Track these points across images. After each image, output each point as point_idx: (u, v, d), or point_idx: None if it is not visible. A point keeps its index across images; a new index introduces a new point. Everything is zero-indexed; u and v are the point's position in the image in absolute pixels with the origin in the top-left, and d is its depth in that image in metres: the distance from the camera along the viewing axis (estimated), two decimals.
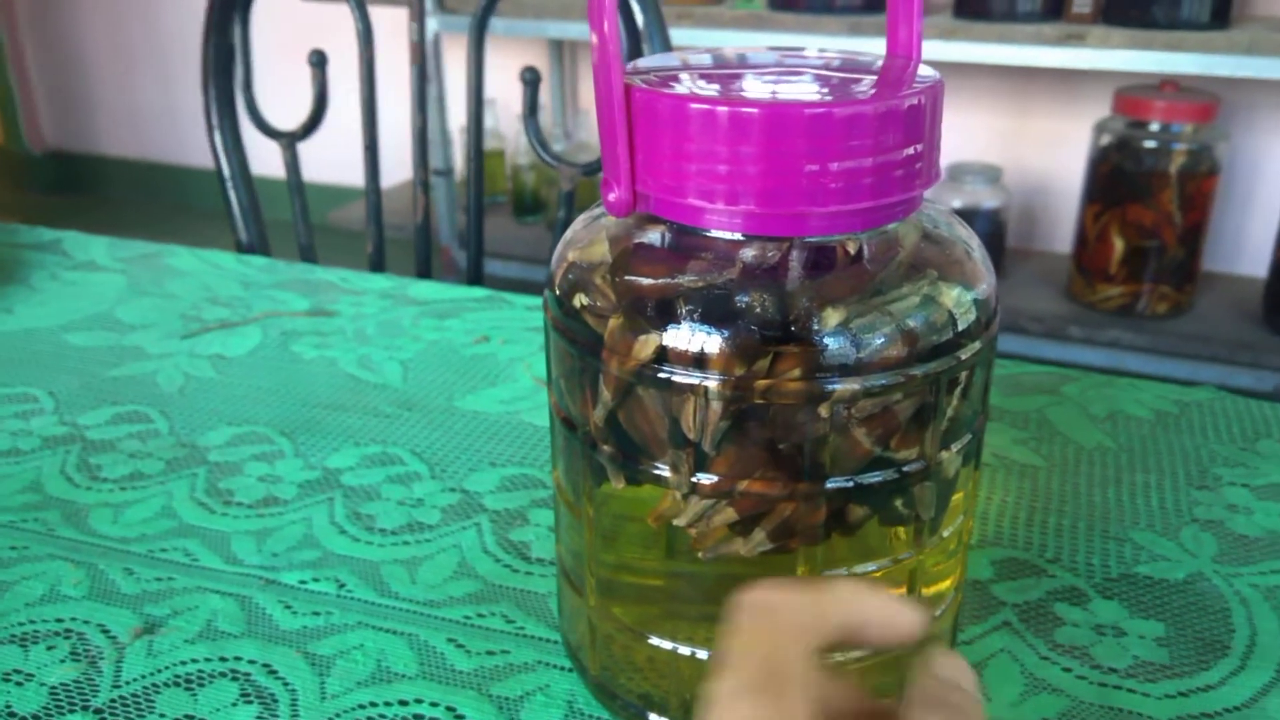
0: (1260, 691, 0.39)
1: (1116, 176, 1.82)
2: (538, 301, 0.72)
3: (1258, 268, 2.02)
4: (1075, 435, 0.55)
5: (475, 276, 0.93)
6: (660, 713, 0.36)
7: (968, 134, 2.19)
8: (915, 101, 0.30)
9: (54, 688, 0.39)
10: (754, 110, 0.29)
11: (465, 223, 0.90)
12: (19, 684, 0.40)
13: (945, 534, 0.34)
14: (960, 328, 0.31)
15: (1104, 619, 0.42)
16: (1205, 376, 1.79)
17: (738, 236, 0.31)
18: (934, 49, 1.75)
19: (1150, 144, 1.78)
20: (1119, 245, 1.84)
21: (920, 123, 0.30)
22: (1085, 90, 2.07)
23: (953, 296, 0.31)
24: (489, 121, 2.39)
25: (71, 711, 0.38)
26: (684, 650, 0.35)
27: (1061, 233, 2.17)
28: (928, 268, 0.31)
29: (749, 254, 0.30)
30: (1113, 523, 0.48)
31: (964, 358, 0.31)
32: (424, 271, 0.96)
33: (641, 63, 0.34)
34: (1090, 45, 1.68)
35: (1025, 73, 2.10)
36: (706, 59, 0.35)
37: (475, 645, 0.42)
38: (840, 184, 0.29)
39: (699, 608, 0.35)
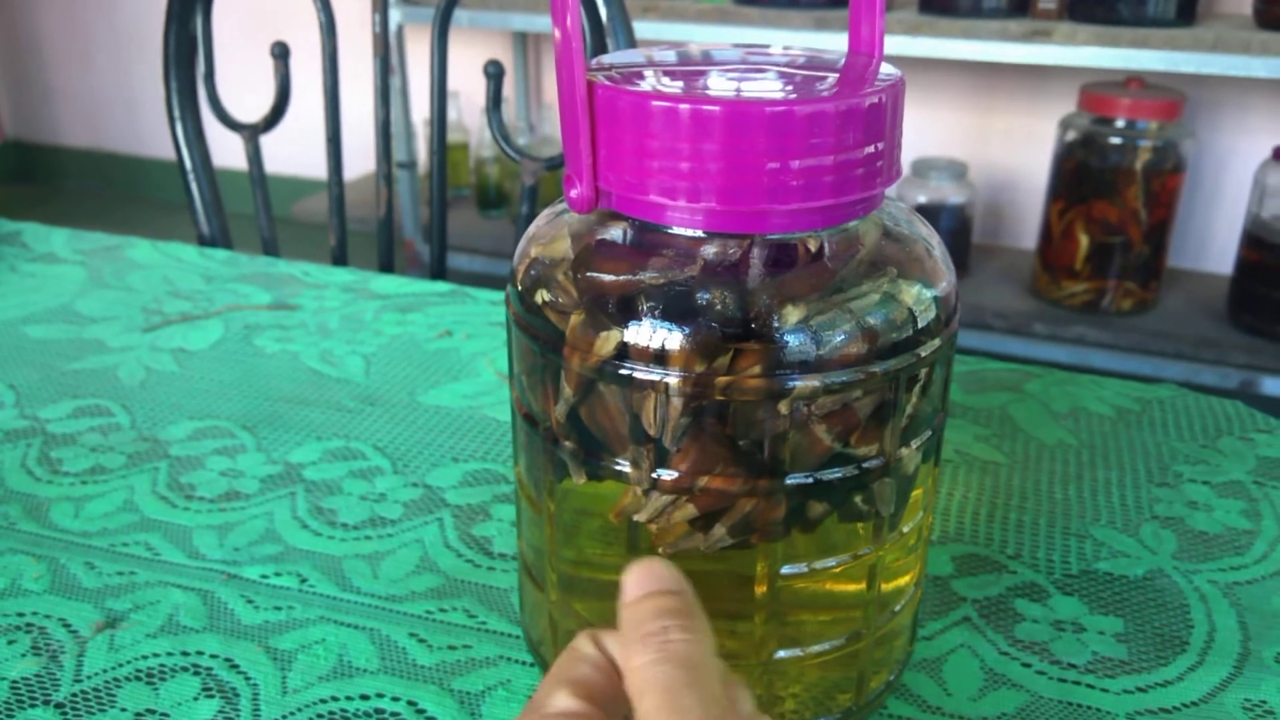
0: (1218, 687, 0.39)
1: (1082, 173, 1.83)
2: (501, 296, 0.72)
3: (1223, 265, 2.04)
4: (1037, 432, 0.56)
5: (438, 270, 0.93)
6: None
7: (933, 130, 2.20)
8: (876, 100, 0.30)
9: (15, 682, 0.39)
10: (716, 108, 0.29)
11: (429, 216, 0.90)
12: None
13: (905, 530, 0.35)
14: (920, 325, 0.31)
15: (1064, 615, 0.43)
16: (1170, 373, 1.81)
17: (699, 234, 0.31)
18: (899, 44, 1.76)
19: (1116, 140, 1.79)
20: (1084, 242, 1.86)
21: (881, 121, 0.30)
22: (1051, 86, 2.09)
23: (913, 294, 0.31)
24: (453, 114, 2.38)
25: (33, 706, 0.38)
26: None
27: (1027, 229, 2.19)
28: (888, 265, 0.31)
29: (710, 251, 0.30)
30: (1073, 519, 0.49)
31: (924, 355, 0.31)
32: (387, 265, 0.95)
33: (605, 58, 0.34)
34: (1056, 42, 1.70)
35: (991, 69, 2.11)
36: (670, 55, 0.35)
37: (437, 640, 0.42)
38: (801, 182, 0.30)
39: None
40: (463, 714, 0.38)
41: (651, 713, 0.25)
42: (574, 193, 0.32)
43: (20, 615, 0.43)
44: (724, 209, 0.30)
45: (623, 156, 0.31)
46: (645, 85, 0.31)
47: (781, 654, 0.34)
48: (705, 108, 0.29)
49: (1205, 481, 0.52)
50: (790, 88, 0.31)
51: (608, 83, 0.31)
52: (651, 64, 0.34)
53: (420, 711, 0.38)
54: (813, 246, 0.31)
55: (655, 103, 0.29)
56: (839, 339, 0.30)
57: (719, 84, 0.32)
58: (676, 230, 0.31)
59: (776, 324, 0.29)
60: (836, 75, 0.33)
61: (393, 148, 0.92)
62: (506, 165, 2.31)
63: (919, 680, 0.39)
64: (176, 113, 0.89)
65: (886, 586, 0.35)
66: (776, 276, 0.30)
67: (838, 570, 0.33)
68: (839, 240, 0.31)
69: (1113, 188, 1.81)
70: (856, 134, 0.30)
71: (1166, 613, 0.43)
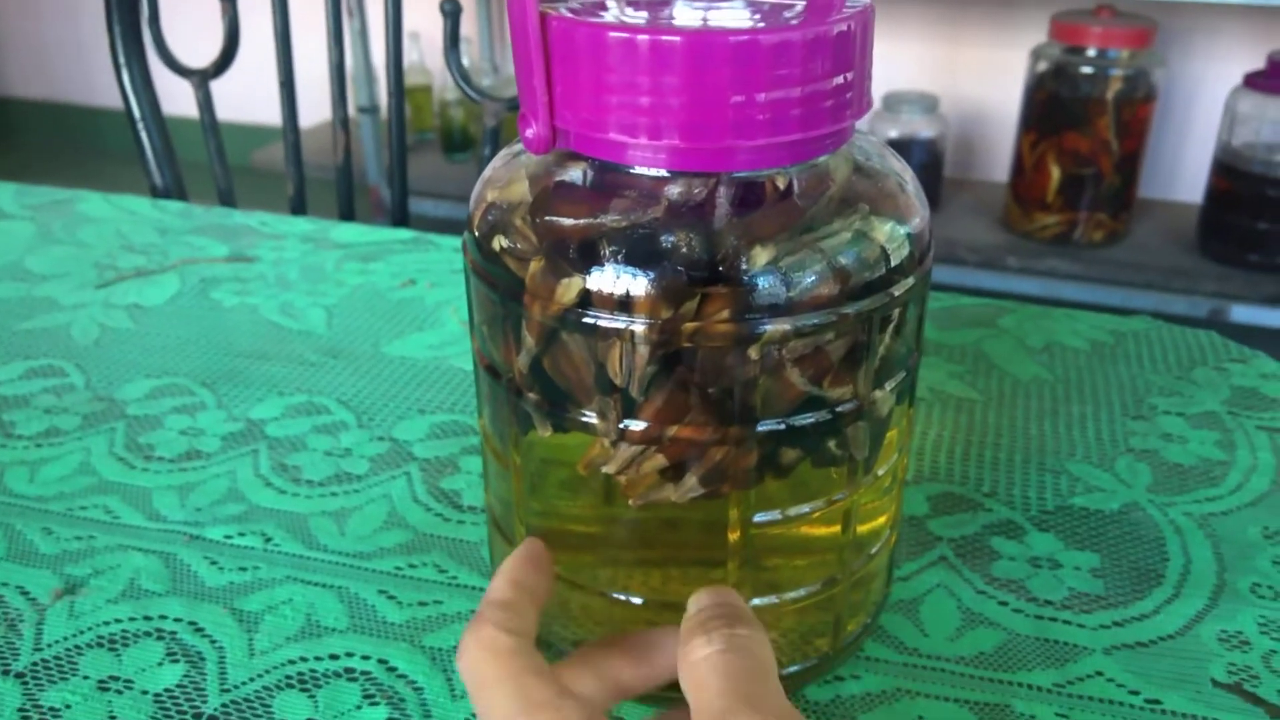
0: (1194, 619, 0.39)
1: (1053, 104, 1.82)
2: None
3: (1193, 194, 2.04)
4: (1011, 368, 0.55)
5: (401, 217, 0.91)
6: None
7: (903, 63, 2.18)
8: (844, 28, 0.29)
9: None
10: (676, 39, 0.27)
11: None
12: None
13: (880, 473, 0.34)
14: (893, 264, 0.30)
15: (1040, 551, 0.42)
16: (1140, 304, 1.82)
17: (662, 173, 0.29)
18: None
19: (1087, 70, 1.78)
20: (1055, 174, 1.85)
21: (850, 50, 0.29)
22: (1021, 17, 2.07)
23: (885, 231, 0.30)
24: (415, 56, 2.33)
25: None
26: (618, 596, 0.34)
27: (998, 162, 2.18)
28: (859, 202, 0.30)
29: (674, 191, 0.29)
30: (1049, 455, 0.48)
31: (897, 294, 0.30)
32: (347, 214, 0.93)
33: None
34: None
35: None
36: None
37: (407, 596, 0.41)
38: (767, 116, 0.28)
39: (631, 554, 0.34)
40: (434, 671, 0.37)
41: (716, 700, 0.25)
42: (530, 133, 0.31)
43: None
44: (687, 146, 0.29)
45: (580, 93, 0.29)
46: (608, 16, 0.29)
47: (757, 601, 0.33)
48: (665, 38, 0.27)
49: (1179, 413, 0.51)
50: (758, 17, 0.30)
51: (562, 15, 0.29)
52: None
53: (391, 670, 0.37)
54: (781, 184, 0.30)
55: (612, 34, 0.28)
56: (810, 280, 0.29)
57: (685, 15, 0.30)
58: (638, 170, 0.29)
59: (745, 266, 0.28)
60: (803, 4, 0.31)
61: (351, 92, 0.89)
62: (471, 107, 2.27)
63: (896, 622, 0.39)
64: (122, 59, 0.86)
65: (862, 530, 0.34)
66: (744, 216, 0.29)
67: (812, 516, 0.33)
68: (808, 177, 0.30)
69: (1084, 118, 1.80)
70: (824, 64, 0.28)
71: (1142, 546, 0.43)
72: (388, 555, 0.43)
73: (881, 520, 0.36)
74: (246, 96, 2.39)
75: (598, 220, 0.29)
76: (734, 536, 0.32)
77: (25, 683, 0.37)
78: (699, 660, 0.27)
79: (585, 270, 0.29)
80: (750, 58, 0.28)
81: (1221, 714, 0.35)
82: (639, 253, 0.29)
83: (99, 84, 2.98)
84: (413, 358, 0.57)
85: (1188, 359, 0.56)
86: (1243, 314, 1.78)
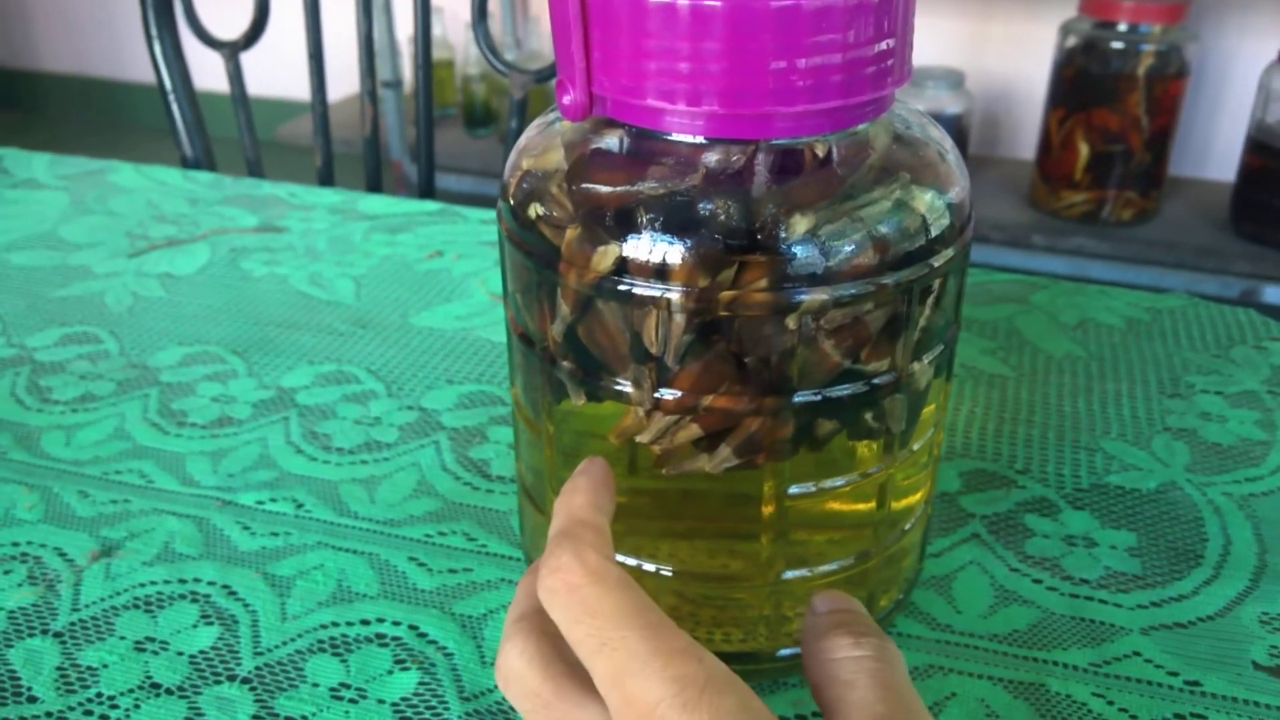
0: (1234, 601, 0.39)
1: (1082, 80, 1.80)
2: (492, 215, 0.70)
3: (1226, 172, 2.01)
4: (1044, 344, 0.55)
5: (427, 190, 0.91)
6: None
7: (929, 37, 2.15)
8: None
9: (12, 612, 0.39)
10: (716, 4, 0.27)
11: (415, 136, 0.88)
12: None
13: (915, 447, 0.34)
14: (933, 234, 0.30)
15: (1074, 530, 0.42)
16: (1170, 283, 1.79)
17: (700, 140, 0.29)
18: None
19: (1117, 45, 1.75)
20: (1084, 151, 1.83)
21: (892, 16, 0.29)
22: None
23: (926, 201, 0.30)
24: (437, 31, 2.32)
25: (31, 635, 0.37)
26: (648, 566, 0.34)
27: (1025, 139, 2.16)
28: (899, 171, 0.30)
29: (712, 158, 0.29)
30: (1083, 432, 0.48)
31: (937, 265, 0.30)
32: (374, 186, 0.93)
33: None
34: None
35: None
36: None
37: (437, 564, 0.41)
38: (808, 82, 0.28)
39: (663, 524, 0.34)
40: (465, 637, 0.37)
41: (876, 704, 0.25)
42: (566, 99, 0.30)
43: (15, 545, 0.42)
44: (726, 113, 0.28)
45: (618, 59, 0.29)
46: None
47: (789, 574, 0.33)
48: (706, 3, 0.27)
49: (1218, 392, 0.51)
50: None
51: None
52: None
53: (422, 635, 0.37)
54: (820, 152, 0.29)
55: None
56: (849, 249, 0.28)
57: None
58: (676, 137, 0.29)
59: (783, 235, 0.28)
60: None
61: (376, 65, 0.89)
62: (493, 82, 2.26)
63: (928, 598, 0.39)
64: (154, 31, 0.86)
65: (896, 505, 0.34)
66: (782, 184, 0.29)
67: (847, 489, 0.32)
68: (848, 145, 0.30)
69: (1114, 95, 1.77)
70: (866, 30, 0.28)
71: (1180, 526, 0.42)
72: (417, 523, 0.43)
73: (916, 496, 0.35)
74: (270, 71, 2.39)
75: (635, 188, 0.29)
76: (768, 510, 0.32)
77: (64, 642, 0.37)
78: (846, 659, 0.26)
79: (621, 238, 0.29)
80: (792, 23, 0.27)
81: (1262, 696, 0.35)
82: (676, 220, 0.28)
83: (127, 58, 2.99)
84: (440, 328, 0.57)
85: (1225, 337, 0.55)
86: (1276, 294, 1.76)
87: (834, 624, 0.27)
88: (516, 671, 0.27)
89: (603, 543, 0.27)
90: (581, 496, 0.28)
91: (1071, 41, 1.80)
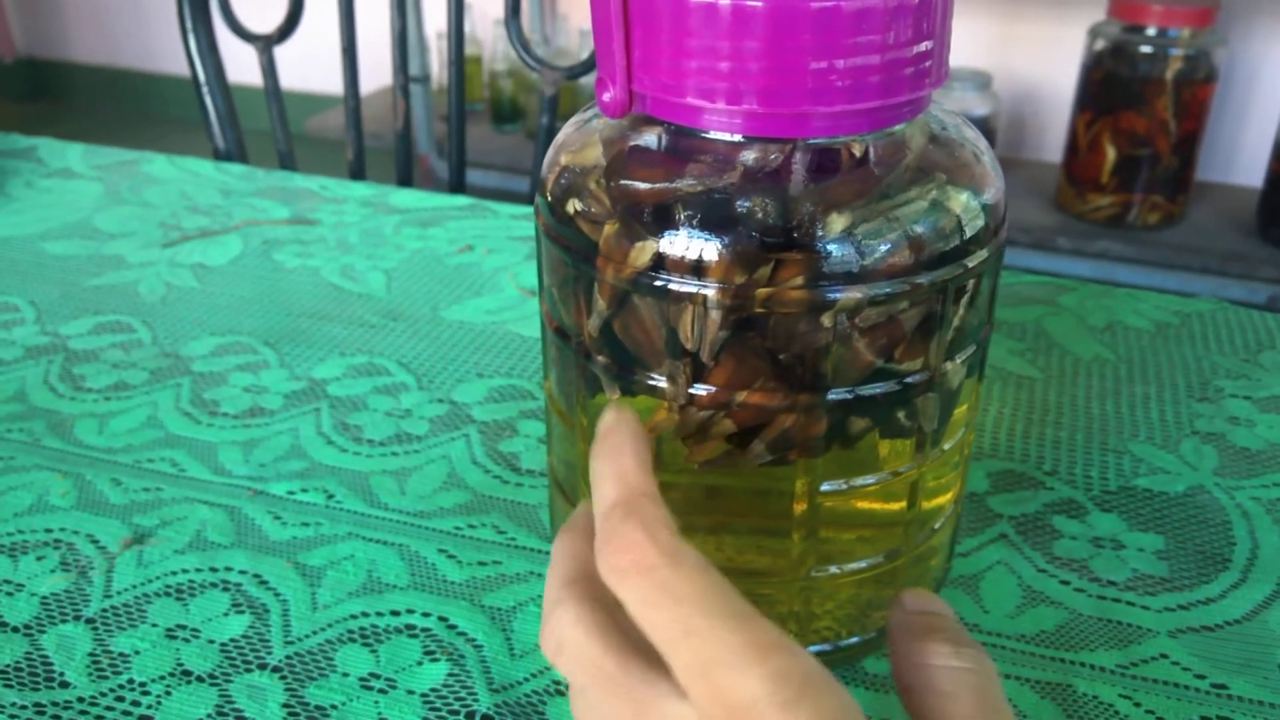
0: (1261, 604, 0.39)
1: (1110, 83, 1.79)
2: (522, 210, 0.71)
3: (1253, 178, 2.00)
4: (1073, 346, 0.55)
5: (457, 184, 0.91)
6: None
7: (956, 39, 2.15)
8: None
9: (45, 597, 0.39)
10: (757, 4, 0.27)
11: (444, 131, 0.88)
12: (9, 594, 0.39)
13: (947, 447, 0.34)
14: (968, 234, 0.30)
15: (1102, 531, 0.42)
16: (1196, 288, 1.79)
17: (738, 138, 0.29)
18: None
19: (1146, 49, 1.75)
20: (1111, 154, 1.82)
21: (931, 17, 0.29)
22: None
23: (961, 201, 0.30)
24: (465, 27, 2.33)
25: (64, 621, 0.38)
26: None
27: (1051, 141, 2.15)
28: (935, 171, 0.30)
29: (750, 156, 0.29)
30: (1111, 435, 0.48)
31: (971, 265, 0.30)
32: (405, 180, 0.93)
33: None
34: None
35: None
36: None
37: (466, 556, 0.41)
38: (846, 83, 0.28)
39: (695, 519, 0.34)
40: (494, 629, 0.38)
41: (974, 718, 0.25)
42: (606, 96, 0.31)
43: (49, 531, 0.42)
44: (765, 111, 0.28)
45: (658, 57, 0.29)
46: None
47: (818, 571, 0.34)
48: (747, 3, 0.27)
49: (1247, 396, 0.51)
50: None
51: None
52: None
53: (451, 627, 0.38)
54: (857, 151, 0.29)
55: None
56: (884, 248, 0.29)
57: None
58: (714, 135, 0.29)
59: (819, 233, 0.28)
60: None
61: (408, 60, 0.89)
62: (521, 78, 2.27)
63: (956, 598, 0.39)
64: (189, 24, 0.87)
65: (926, 504, 0.34)
66: (819, 183, 0.29)
67: (877, 488, 0.33)
68: (885, 145, 0.30)
69: (1142, 98, 1.77)
70: (905, 31, 0.28)
71: (1208, 530, 0.42)
72: (447, 515, 0.43)
73: (946, 496, 0.36)
74: (299, 65, 2.40)
75: (672, 184, 0.29)
76: (799, 507, 0.32)
77: (95, 628, 0.38)
78: (945, 669, 0.26)
79: (659, 234, 0.29)
80: (832, 24, 0.27)
81: None
82: (713, 217, 0.29)
83: (158, 50, 3.01)
84: (471, 322, 0.58)
85: (1254, 342, 0.55)
86: None
87: (928, 627, 0.27)
88: (573, 640, 0.25)
89: (665, 515, 0.25)
90: (629, 459, 0.26)
91: (1100, 44, 1.79)
